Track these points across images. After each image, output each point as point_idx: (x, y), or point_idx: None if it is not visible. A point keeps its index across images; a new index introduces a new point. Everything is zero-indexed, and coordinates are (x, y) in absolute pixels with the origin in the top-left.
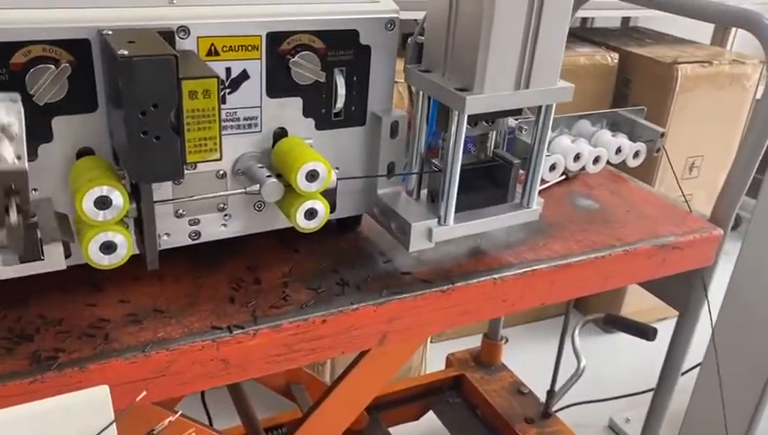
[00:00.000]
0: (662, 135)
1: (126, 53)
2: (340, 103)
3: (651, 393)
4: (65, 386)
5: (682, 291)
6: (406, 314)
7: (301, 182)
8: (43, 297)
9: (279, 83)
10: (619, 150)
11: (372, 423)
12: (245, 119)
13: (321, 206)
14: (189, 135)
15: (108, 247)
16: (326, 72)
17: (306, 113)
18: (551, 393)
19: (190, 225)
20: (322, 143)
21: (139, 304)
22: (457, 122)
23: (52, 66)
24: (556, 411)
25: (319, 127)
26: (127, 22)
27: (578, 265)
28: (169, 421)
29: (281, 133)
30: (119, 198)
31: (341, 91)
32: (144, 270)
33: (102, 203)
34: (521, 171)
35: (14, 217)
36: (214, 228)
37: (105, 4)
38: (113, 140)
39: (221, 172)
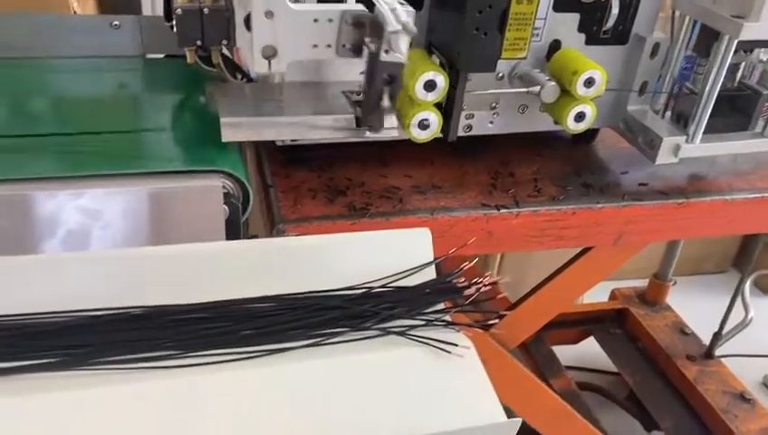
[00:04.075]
0: None
1: None
2: (610, 22)
3: None
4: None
5: None
6: (642, 220)
7: (579, 87)
8: (345, 165)
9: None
10: None
11: (537, 339)
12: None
13: (590, 110)
14: (508, 34)
15: (424, 124)
16: None
17: (580, 29)
18: (717, 335)
19: (466, 119)
20: (588, 57)
21: (420, 179)
22: (725, 48)
23: None
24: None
25: (588, 42)
26: None
27: None
28: (470, 262)
29: (554, 45)
30: (442, 82)
31: (615, 11)
32: (419, 154)
33: (430, 86)
34: (766, 104)
35: (387, 101)
36: (483, 124)
37: None
38: (432, 36)
39: (500, 75)
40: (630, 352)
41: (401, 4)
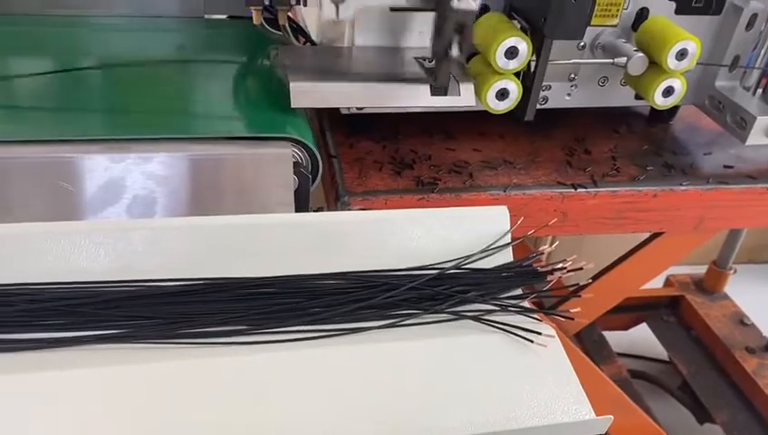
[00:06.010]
0: None
1: None
2: None
3: None
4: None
5: None
6: (726, 205)
7: (670, 59)
8: (409, 137)
9: None
10: None
11: (588, 324)
12: None
13: (679, 85)
14: None
15: (503, 94)
16: None
17: None
18: None
19: (542, 90)
20: None
21: (490, 154)
22: None
23: None
24: None
25: (678, 11)
26: None
27: None
28: (551, 244)
29: (641, 13)
30: (525, 49)
31: None
32: (487, 126)
33: (511, 53)
34: None
35: (456, 51)
36: (559, 97)
37: None
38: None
39: (582, 44)
40: (685, 341)
41: None
